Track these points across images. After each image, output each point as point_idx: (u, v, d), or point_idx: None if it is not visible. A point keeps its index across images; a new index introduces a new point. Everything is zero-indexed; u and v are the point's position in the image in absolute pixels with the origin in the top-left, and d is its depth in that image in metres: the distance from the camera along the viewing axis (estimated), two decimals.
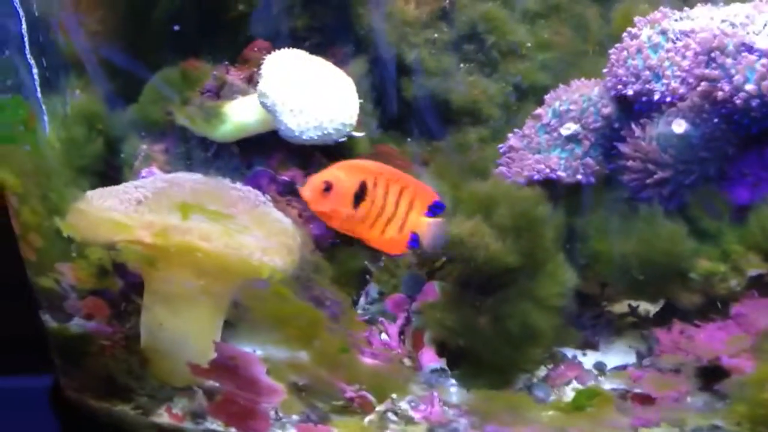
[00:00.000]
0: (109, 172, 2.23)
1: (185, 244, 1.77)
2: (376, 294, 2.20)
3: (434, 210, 1.76)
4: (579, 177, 2.02)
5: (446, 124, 2.35)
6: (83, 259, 1.91)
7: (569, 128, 2.03)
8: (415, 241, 1.75)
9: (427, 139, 2.36)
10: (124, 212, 1.82)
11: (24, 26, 1.96)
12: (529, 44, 2.35)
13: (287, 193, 2.21)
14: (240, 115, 2.17)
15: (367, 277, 2.21)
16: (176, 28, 2.22)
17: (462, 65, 2.36)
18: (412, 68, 2.36)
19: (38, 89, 2.06)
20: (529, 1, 2.39)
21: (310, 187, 1.74)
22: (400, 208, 1.75)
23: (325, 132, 2.09)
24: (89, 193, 1.92)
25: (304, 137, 2.08)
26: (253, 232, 1.83)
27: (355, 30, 2.36)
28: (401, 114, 2.37)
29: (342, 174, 1.76)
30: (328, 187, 1.73)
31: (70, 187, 1.88)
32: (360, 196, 1.73)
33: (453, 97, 2.35)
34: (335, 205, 1.74)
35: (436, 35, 2.36)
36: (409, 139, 2.37)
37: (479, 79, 2.35)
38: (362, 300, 2.22)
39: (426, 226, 1.75)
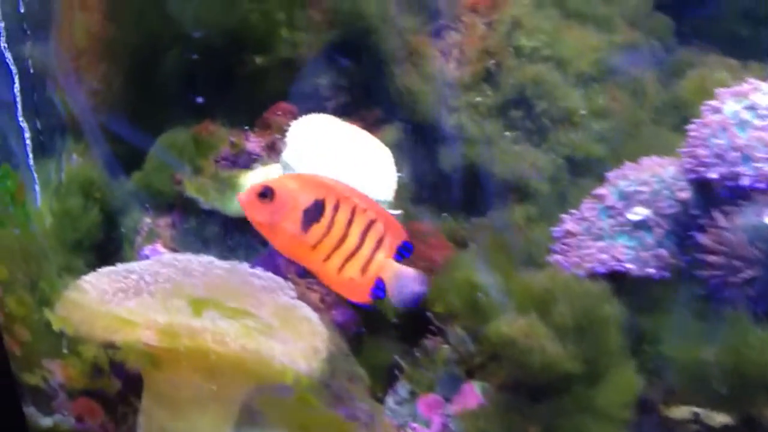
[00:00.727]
0: (107, 247, 1.97)
1: (197, 346, 1.52)
2: (407, 393, 1.93)
3: (402, 252, 1.45)
4: (649, 270, 1.76)
5: (488, 199, 2.09)
6: (75, 356, 1.65)
7: (638, 213, 1.77)
8: (381, 289, 1.45)
9: (465, 216, 2.11)
10: (125, 305, 1.57)
11: (17, 85, 1.71)
12: (583, 111, 2.10)
13: (307, 274, 1.95)
14: None
15: (396, 372, 1.94)
16: (199, 100, 1.97)
17: (508, 133, 2.11)
18: (451, 135, 2.10)
19: (30, 155, 1.81)
20: (581, 63, 2.15)
21: (248, 190, 1.42)
22: (366, 244, 1.43)
23: None
24: (84, 278, 1.67)
25: None
26: (277, 332, 1.57)
27: (389, 91, 2.12)
28: (437, 186, 2.12)
29: (292, 184, 1.42)
30: (267, 193, 1.41)
31: (63, 274, 1.62)
32: (313, 216, 1.42)
33: (497, 168, 2.09)
34: (277, 217, 1.41)
35: (478, 99, 2.12)
36: (444, 214, 2.11)
37: (527, 149, 2.10)
38: (390, 400, 1.94)
39: (393, 272, 1.45)
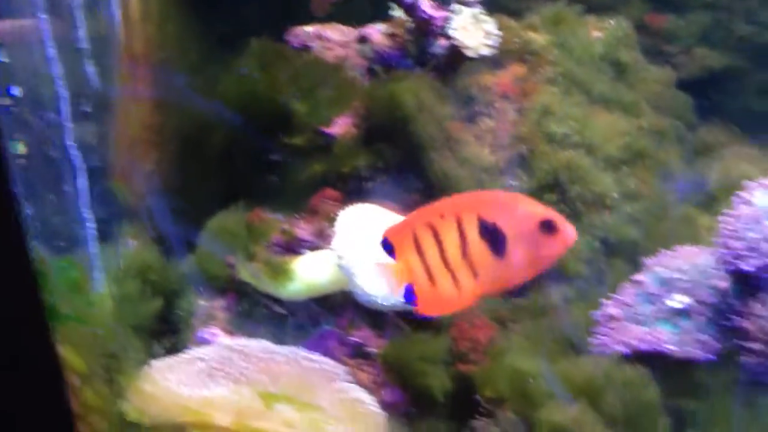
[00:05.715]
0: (166, 330, 2.03)
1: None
2: None
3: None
4: (691, 353, 1.84)
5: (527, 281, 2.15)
6: None
7: (679, 301, 1.85)
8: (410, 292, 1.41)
9: (505, 298, 2.17)
10: (199, 394, 1.64)
11: (82, 179, 1.79)
12: (615, 195, 2.18)
13: (357, 356, 2.02)
14: (311, 273, 1.98)
15: None
16: None
17: None
18: None
19: (93, 244, 1.87)
20: (610, 147, 2.24)
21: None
22: None
23: None
24: (151, 366, 1.75)
25: (385, 304, 1.89)
26: (340, 423, 1.64)
27: (427, 175, 2.18)
28: None
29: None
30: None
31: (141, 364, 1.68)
32: None
33: None
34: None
35: (513, 183, 2.19)
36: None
37: None
38: None
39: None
